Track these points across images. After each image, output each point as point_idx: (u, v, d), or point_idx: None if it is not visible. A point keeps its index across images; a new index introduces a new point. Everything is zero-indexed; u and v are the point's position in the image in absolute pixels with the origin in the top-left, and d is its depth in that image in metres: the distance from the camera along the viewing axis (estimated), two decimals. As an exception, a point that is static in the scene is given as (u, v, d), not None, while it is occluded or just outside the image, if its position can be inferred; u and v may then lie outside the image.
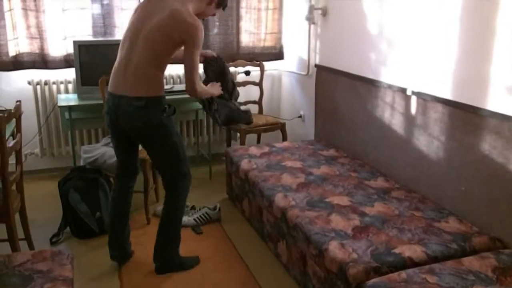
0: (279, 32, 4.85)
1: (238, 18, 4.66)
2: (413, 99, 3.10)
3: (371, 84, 3.51)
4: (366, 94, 3.58)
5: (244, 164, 3.60)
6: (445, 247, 2.40)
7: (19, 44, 4.11)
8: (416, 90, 3.06)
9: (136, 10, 2.83)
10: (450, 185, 2.83)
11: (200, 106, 4.43)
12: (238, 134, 4.40)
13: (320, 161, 3.63)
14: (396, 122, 3.27)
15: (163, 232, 2.96)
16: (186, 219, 3.52)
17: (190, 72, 2.68)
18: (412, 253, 2.33)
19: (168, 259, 2.99)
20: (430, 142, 2.97)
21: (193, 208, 3.68)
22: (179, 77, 4.65)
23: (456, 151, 2.77)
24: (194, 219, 3.56)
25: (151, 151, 2.88)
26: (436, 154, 2.92)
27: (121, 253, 3.09)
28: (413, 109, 3.11)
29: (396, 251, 2.35)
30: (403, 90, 3.18)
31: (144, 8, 2.77)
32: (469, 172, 2.68)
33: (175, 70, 4.63)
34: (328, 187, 3.15)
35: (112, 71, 2.82)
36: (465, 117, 2.68)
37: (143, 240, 3.32)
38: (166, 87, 4.29)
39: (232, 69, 4.70)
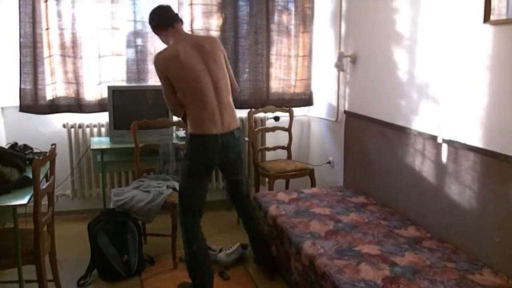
0: (309, 78, 4.91)
1: (268, 65, 4.74)
2: (444, 147, 3.06)
3: (401, 131, 3.49)
4: (396, 141, 3.56)
5: (272, 209, 3.58)
6: (480, 301, 2.31)
7: (56, 88, 4.27)
8: (447, 138, 3.03)
9: (182, 62, 2.96)
10: (484, 235, 2.74)
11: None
12: (267, 179, 4.40)
13: (349, 208, 3.59)
14: (427, 170, 3.23)
15: None
16: (224, 258, 3.59)
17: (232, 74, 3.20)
18: (445, 307, 2.25)
19: None
20: (462, 190, 2.91)
21: (220, 251, 3.66)
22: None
23: (490, 201, 2.70)
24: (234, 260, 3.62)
25: (241, 173, 3.30)
26: (469, 203, 2.86)
27: None
28: (444, 157, 3.07)
29: (428, 304, 2.27)
30: (433, 138, 3.15)
31: (188, 55, 2.97)
32: (503, 223, 2.60)
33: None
34: (357, 235, 3.09)
35: (204, 116, 2.99)
36: (498, 166, 2.63)
37: (169, 285, 3.30)
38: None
39: (261, 114, 4.76)
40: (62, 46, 4.21)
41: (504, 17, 2.57)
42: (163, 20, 3.14)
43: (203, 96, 2.98)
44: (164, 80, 3.03)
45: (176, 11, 4.35)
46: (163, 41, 3.21)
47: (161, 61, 3.02)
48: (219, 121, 3.02)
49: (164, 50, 3.06)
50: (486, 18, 2.66)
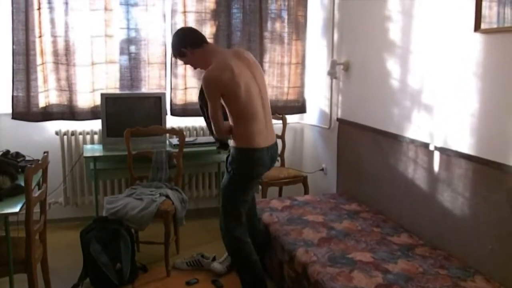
0: (302, 86, 4.93)
1: (261, 72, 4.75)
2: (436, 155, 3.08)
3: (394, 139, 3.50)
4: (389, 148, 3.57)
5: (266, 217, 3.58)
6: (472, 308, 2.31)
7: (49, 96, 4.26)
8: (439, 145, 3.05)
9: (237, 77, 2.87)
10: (476, 242, 2.76)
11: (223, 159, 4.47)
12: (260, 187, 4.40)
13: (342, 215, 3.59)
14: (419, 177, 3.24)
15: None
16: (217, 266, 3.58)
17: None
18: (437, 314, 2.25)
19: None
20: (454, 198, 2.92)
21: (214, 259, 3.65)
22: (202, 129, 4.72)
23: (482, 208, 2.71)
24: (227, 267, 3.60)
25: None
26: (461, 210, 2.87)
27: None
28: (436, 165, 3.08)
29: (421, 311, 2.28)
30: (426, 145, 3.16)
31: (240, 68, 2.92)
32: (496, 230, 2.62)
33: (198, 122, 4.70)
34: (350, 242, 3.10)
35: (255, 130, 2.96)
36: (490, 174, 2.65)
37: (162, 293, 3.30)
38: (189, 139, 4.36)
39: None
40: (55, 53, 4.20)
41: (495, 25, 2.60)
42: (198, 37, 3.07)
43: (254, 109, 2.94)
44: (216, 99, 2.89)
45: (169, 18, 4.41)
46: (193, 62, 3.10)
47: (218, 78, 2.85)
48: (266, 134, 3.02)
49: (216, 66, 2.89)
50: (477, 27, 2.69)
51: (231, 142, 3.07)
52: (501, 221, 2.58)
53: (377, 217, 3.55)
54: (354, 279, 2.58)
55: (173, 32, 3.93)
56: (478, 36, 2.71)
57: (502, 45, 2.56)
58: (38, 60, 4.15)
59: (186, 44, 3.02)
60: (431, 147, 3.11)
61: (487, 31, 2.65)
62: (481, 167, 2.70)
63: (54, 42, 4.19)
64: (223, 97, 2.90)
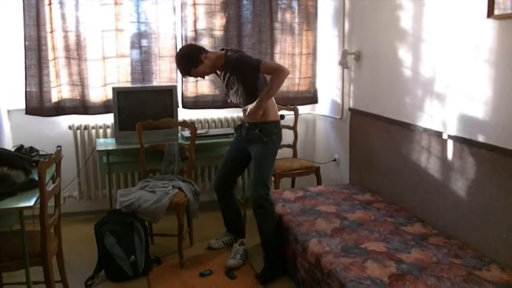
0: (313, 76, 4.90)
1: (272, 64, 4.74)
2: (450, 143, 3.05)
3: (406, 128, 3.48)
4: (402, 138, 3.55)
5: (278, 208, 3.58)
6: (487, 298, 2.30)
7: (61, 90, 4.29)
8: (452, 134, 3.02)
9: None
10: (490, 231, 2.73)
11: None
12: (273, 178, 4.39)
13: (355, 205, 3.58)
14: (433, 167, 3.22)
15: None
16: (232, 262, 3.57)
17: None
18: (452, 303, 2.24)
19: None
20: (468, 187, 2.90)
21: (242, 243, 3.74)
22: (213, 121, 4.72)
23: (496, 197, 2.68)
24: (241, 258, 3.62)
25: None
26: (475, 199, 2.84)
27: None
28: (450, 153, 3.05)
29: (435, 300, 2.26)
30: (439, 134, 3.13)
31: None
32: (510, 219, 2.59)
33: (209, 114, 4.71)
34: (363, 232, 3.09)
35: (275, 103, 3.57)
36: (504, 162, 2.61)
37: (176, 285, 3.31)
38: (201, 131, 4.37)
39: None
40: (67, 48, 4.23)
41: (509, 11, 2.55)
42: (200, 47, 3.44)
43: None
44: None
45: (179, 11, 4.41)
46: (208, 66, 3.39)
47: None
48: None
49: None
50: (490, 13, 2.65)
51: (260, 118, 3.33)
52: (516, 209, 2.55)
53: (390, 207, 3.54)
54: (367, 269, 2.58)
55: (182, 44, 4.35)
56: (491, 23, 2.66)
57: (516, 31, 2.52)
58: (50, 55, 4.18)
59: (201, 51, 3.36)
60: (444, 136, 3.08)
61: (500, 17, 2.60)
62: (495, 155, 2.67)
63: (66, 37, 4.21)
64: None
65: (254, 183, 3.37)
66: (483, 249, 2.78)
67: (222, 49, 3.46)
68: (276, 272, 3.40)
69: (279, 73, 3.19)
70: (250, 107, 3.29)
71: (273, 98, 3.42)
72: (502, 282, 2.43)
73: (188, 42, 4.39)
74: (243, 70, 3.31)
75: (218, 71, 3.56)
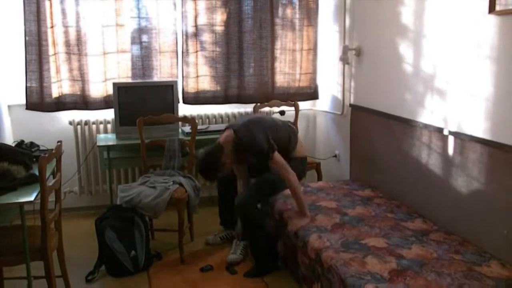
0: (314, 72, 4.90)
1: (273, 59, 4.73)
2: (451, 139, 3.04)
3: (407, 124, 3.47)
4: (402, 134, 3.54)
5: (279, 204, 3.58)
6: (487, 293, 2.30)
7: (62, 86, 4.28)
8: (453, 130, 3.01)
9: None
10: (491, 227, 2.73)
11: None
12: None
13: (355, 201, 3.58)
14: (433, 163, 3.21)
15: None
16: (233, 257, 3.57)
17: None
18: (452, 299, 2.24)
19: None
20: (469, 183, 2.90)
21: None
22: (214, 117, 4.72)
23: (497, 193, 2.68)
24: (241, 253, 3.62)
25: None
26: (476, 195, 2.84)
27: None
28: (451, 149, 3.05)
29: (435, 296, 2.27)
30: (440, 130, 3.13)
31: None
32: (510, 214, 2.59)
33: (210, 110, 4.71)
34: (363, 228, 3.09)
35: None
36: (505, 158, 2.61)
37: (177, 280, 3.32)
38: (201, 127, 4.37)
39: (267, 109, 4.76)
40: (67, 43, 4.22)
41: (510, 7, 2.54)
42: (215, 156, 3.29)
43: None
44: None
45: (180, 6, 4.40)
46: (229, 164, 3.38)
47: None
48: None
49: None
50: (491, 9, 2.64)
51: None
52: (517, 205, 2.55)
53: (391, 203, 3.54)
54: (367, 265, 2.58)
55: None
56: (492, 18, 2.66)
57: (517, 26, 2.51)
58: (51, 51, 4.18)
59: (218, 158, 3.24)
60: (445, 132, 3.08)
61: (502, 13, 2.60)
62: (496, 151, 2.67)
63: (66, 32, 4.21)
64: None
65: (253, 189, 3.46)
66: (483, 245, 2.78)
67: (228, 128, 3.41)
68: (267, 269, 3.41)
69: (291, 181, 3.28)
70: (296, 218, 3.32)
71: (300, 140, 3.62)
72: (502, 278, 2.43)
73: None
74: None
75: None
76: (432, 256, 2.67)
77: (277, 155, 3.27)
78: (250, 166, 3.58)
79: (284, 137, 3.45)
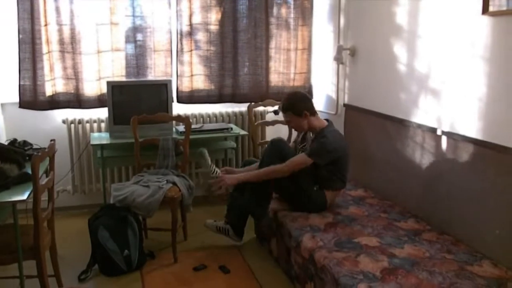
0: (308, 72, 4.90)
1: (267, 59, 4.73)
2: (444, 139, 3.06)
3: (401, 124, 3.48)
4: (396, 133, 3.55)
5: (272, 203, 3.58)
6: (479, 293, 2.31)
7: (55, 84, 4.27)
8: (446, 130, 3.03)
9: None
10: (483, 227, 2.75)
11: (229, 145, 4.48)
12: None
13: (348, 201, 3.59)
14: (427, 162, 3.23)
15: None
16: (210, 222, 3.74)
17: None
18: (444, 298, 2.25)
19: None
20: (462, 183, 2.91)
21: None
22: (208, 116, 4.72)
23: (489, 193, 2.70)
24: (216, 227, 3.74)
25: None
26: (468, 195, 2.86)
27: None
28: (444, 149, 3.06)
29: (427, 295, 2.28)
30: (433, 130, 3.14)
31: None
32: (503, 215, 2.61)
33: (204, 109, 4.70)
34: (356, 227, 3.10)
35: None
36: (497, 158, 2.63)
37: (170, 279, 3.32)
38: (195, 126, 4.37)
39: (261, 108, 4.77)
40: (61, 42, 4.21)
41: (504, 8, 2.56)
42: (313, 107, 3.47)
43: None
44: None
45: (174, 5, 4.39)
46: (302, 124, 3.43)
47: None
48: None
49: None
50: (485, 10, 2.65)
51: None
52: (508, 205, 2.56)
53: (384, 202, 3.55)
54: (360, 264, 2.59)
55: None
56: (486, 19, 2.67)
57: (511, 27, 2.52)
58: (44, 49, 4.16)
59: (309, 108, 3.41)
60: (439, 132, 3.09)
61: (495, 14, 2.61)
62: (489, 152, 2.68)
63: (60, 31, 4.19)
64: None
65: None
66: (475, 245, 2.79)
67: (327, 120, 3.51)
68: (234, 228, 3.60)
69: (279, 173, 3.29)
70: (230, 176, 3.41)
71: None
72: (493, 277, 2.44)
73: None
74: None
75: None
76: (424, 256, 2.68)
77: (301, 159, 3.30)
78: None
79: (345, 163, 3.46)
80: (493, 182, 2.67)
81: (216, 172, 3.58)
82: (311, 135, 3.52)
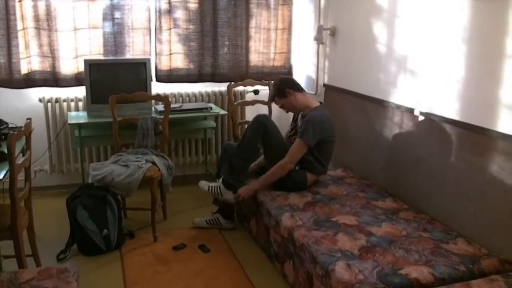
0: (288, 51, 4.89)
1: (247, 38, 4.70)
2: (421, 120, 3.09)
3: (380, 104, 3.51)
4: (374, 114, 3.58)
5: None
6: (453, 269, 2.37)
7: (31, 62, 4.18)
8: (424, 110, 3.06)
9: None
10: (458, 206, 2.80)
11: (209, 125, 4.47)
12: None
13: (327, 180, 3.62)
14: (404, 142, 3.26)
15: None
16: (199, 220, 3.76)
17: None
18: (419, 275, 2.30)
19: None
20: (438, 163, 2.95)
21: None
22: (188, 95, 4.68)
23: (465, 172, 2.75)
24: (206, 221, 3.76)
25: None
26: (445, 175, 2.91)
27: None
28: (421, 130, 3.10)
29: (403, 272, 2.32)
30: (411, 111, 3.18)
31: None
32: (478, 194, 2.66)
33: (183, 88, 4.67)
34: (335, 206, 3.13)
35: None
36: (473, 138, 2.67)
37: (149, 258, 3.32)
38: (175, 105, 4.33)
39: (241, 88, 4.75)
40: (36, 18, 4.10)
41: (481, -11, 2.57)
42: (299, 84, 3.62)
43: None
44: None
45: (153, -18, 4.30)
46: (290, 104, 3.54)
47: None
48: None
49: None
50: (464, -10, 2.66)
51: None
52: (483, 184, 2.62)
53: (362, 182, 3.59)
54: (338, 242, 2.63)
55: None
56: (465, 1, 2.68)
57: (490, 9, 2.54)
58: (19, 26, 4.05)
59: (291, 86, 3.53)
60: (416, 112, 3.13)
61: (473, -5, 2.63)
62: (465, 132, 2.73)
63: (35, 7, 4.08)
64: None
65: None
66: (451, 223, 2.85)
67: (320, 102, 3.61)
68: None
69: (284, 167, 3.35)
70: (244, 188, 3.46)
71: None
72: (467, 255, 2.50)
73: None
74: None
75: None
76: (401, 234, 2.73)
77: (298, 145, 3.33)
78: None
79: (331, 150, 3.51)
80: (469, 162, 2.72)
81: (216, 188, 3.59)
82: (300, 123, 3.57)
